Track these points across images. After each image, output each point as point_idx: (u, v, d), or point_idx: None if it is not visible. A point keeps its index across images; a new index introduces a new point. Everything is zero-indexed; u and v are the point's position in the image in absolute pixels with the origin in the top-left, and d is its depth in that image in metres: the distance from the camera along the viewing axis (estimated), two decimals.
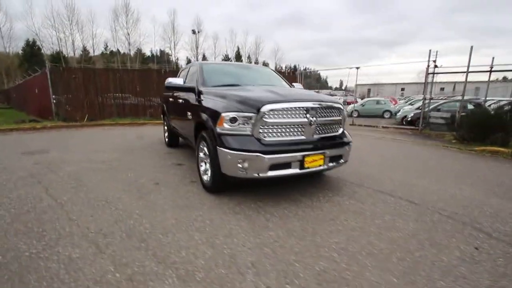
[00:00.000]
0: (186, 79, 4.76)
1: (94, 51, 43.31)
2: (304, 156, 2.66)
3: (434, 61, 9.55)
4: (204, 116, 2.99)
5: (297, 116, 2.69)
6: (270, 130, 2.62)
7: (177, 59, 50.71)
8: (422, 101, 10.06)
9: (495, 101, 11.73)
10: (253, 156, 2.49)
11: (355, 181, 3.59)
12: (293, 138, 2.71)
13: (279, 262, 1.84)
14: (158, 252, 1.95)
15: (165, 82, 3.77)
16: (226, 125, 2.62)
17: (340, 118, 3.07)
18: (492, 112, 6.30)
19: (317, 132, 2.85)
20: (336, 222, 2.42)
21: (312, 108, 2.76)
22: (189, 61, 56.12)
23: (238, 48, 58.38)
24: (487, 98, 9.51)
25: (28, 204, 2.79)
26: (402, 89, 46.92)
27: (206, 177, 3.10)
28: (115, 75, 12.12)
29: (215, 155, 2.78)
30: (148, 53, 53.21)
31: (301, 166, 2.68)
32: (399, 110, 14.35)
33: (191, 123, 3.57)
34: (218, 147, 2.69)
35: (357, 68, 13.50)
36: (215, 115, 2.74)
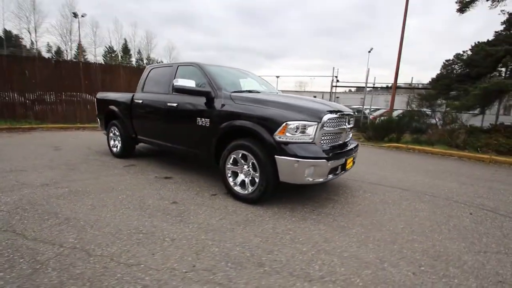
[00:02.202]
0: (145, 82, 4.21)
1: None
2: (346, 159, 3.02)
3: (336, 77, 12.12)
4: (248, 123, 2.82)
5: (341, 123, 3.03)
6: (325, 137, 2.83)
7: (31, 44, 39.41)
8: None
9: (372, 108, 15.82)
10: (320, 162, 2.64)
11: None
12: (336, 143, 3.03)
13: (389, 244, 2.12)
14: (307, 270, 1.83)
15: (174, 84, 3.22)
16: (288, 134, 2.63)
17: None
18: (391, 118, 8.69)
19: (347, 136, 3.28)
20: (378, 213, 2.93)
21: (348, 115, 3.17)
22: (59, 50, 45.01)
23: (126, 41, 51.79)
24: (365, 106, 12.93)
25: None
26: None
27: (247, 189, 2.94)
28: None
29: (268, 164, 2.73)
30: None
31: (343, 168, 3.04)
32: None
33: (206, 132, 3.24)
34: (277, 156, 2.65)
35: None
36: (272, 124, 2.67)
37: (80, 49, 36.75)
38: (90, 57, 45.49)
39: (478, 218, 2.88)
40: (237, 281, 1.71)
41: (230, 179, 3.10)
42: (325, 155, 2.68)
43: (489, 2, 8.54)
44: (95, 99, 5.48)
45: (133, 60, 51.73)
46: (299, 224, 2.54)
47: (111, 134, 5.08)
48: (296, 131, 2.63)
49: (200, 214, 2.69)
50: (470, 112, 7.93)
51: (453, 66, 9.78)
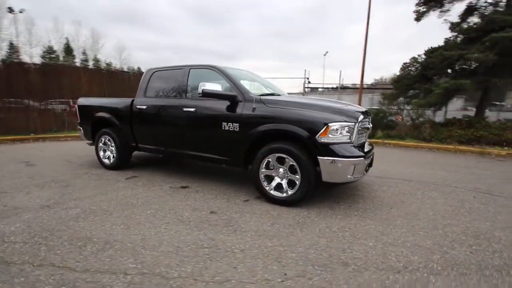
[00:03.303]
0: (147, 86, 3.97)
1: None
2: (372, 157, 3.22)
3: (308, 78, 12.75)
4: (290, 127, 2.82)
5: (367, 123, 3.22)
6: (357, 136, 2.97)
7: None
8: None
9: None
10: (360, 161, 2.77)
11: None
12: (362, 142, 3.20)
13: (434, 230, 2.33)
14: (367, 268, 1.89)
15: (203, 89, 3.04)
16: (330, 135, 2.70)
17: None
18: None
19: (367, 136, 3.50)
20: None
21: (369, 115, 3.38)
22: None
23: (68, 40, 46.63)
24: None
25: None
26: None
27: (285, 192, 2.93)
28: None
29: (310, 165, 2.78)
30: None
31: (370, 165, 3.23)
32: None
33: (235, 137, 3.15)
34: (321, 157, 2.71)
35: None
36: (314, 126, 2.71)
37: (16, 48, 31.96)
38: (26, 58, 39.86)
39: (482, 200, 3.32)
40: (337, 282, 1.72)
41: (265, 183, 3.06)
42: (362, 153, 2.82)
43: (437, 13, 9.88)
44: (77, 106, 4.88)
45: (77, 61, 46.74)
46: (348, 221, 2.64)
47: (100, 144, 4.58)
48: (337, 132, 2.72)
49: (248, 221, 2.61)
50: (431, 108, 9.03)
51: (410, 68, 11.00)
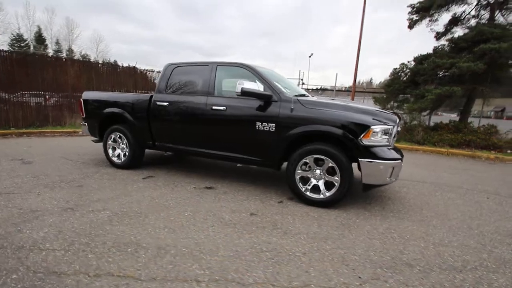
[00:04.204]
0: (167, 82, 3.81)
1: None
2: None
3: (302, 79, 12.89)
4: (333, 129, 2.82)
5: (398, 126, 3.30)
6: (393, 139, 3.04)
7: None
8: None
9: None
10: (398, 163, 2.84)
11: None
12: (394, 144, 3.29)
13: (470, 230, 2.45)
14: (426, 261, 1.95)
15: (240, 88, 2.94)
16: (372, 138, 2.74)
17: None
18: None
19: None
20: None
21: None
22: None
23: (40, 29, 43.44)
24: None
25: None
26: None
27: (322, 193, 2.94)
28: None
29: (350, 167, 2.81)
30: None
31: None
32: None
33: (271, 137, 3.09)
34: (362, 159, 2.75)
35: None
36: (357, 128, 2.74)
37: None
38: None
39: (495, 201, 3.55)
40: (412, 283, 1.74)
41: (300, 184, 3.05)
42: (400, 156, 2.90)
43: (426, 22, 10.42)
44: (81, 100, 4.54)
45: (50, 51, 43.64)
46: (389, 222, 2.70)
47: (109, 142, 4.31)
48: (378, 135, 2.77)
49: (292, 223, 2.58)
50: (422, 113, 9.51)
51: (399, 73, 11.51)
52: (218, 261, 1.91)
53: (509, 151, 6.83)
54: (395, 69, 11.53)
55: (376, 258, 2.04)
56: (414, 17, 9.78)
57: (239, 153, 3.39)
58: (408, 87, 10.25)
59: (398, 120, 3.01)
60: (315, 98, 3.31)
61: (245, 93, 2.98)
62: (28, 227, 2.31)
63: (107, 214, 2.60)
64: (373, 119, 2.79)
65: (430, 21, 10.29)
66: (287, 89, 3.99)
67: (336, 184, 2.89)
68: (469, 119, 9.40)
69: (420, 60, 10.04)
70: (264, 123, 3.12)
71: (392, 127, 2.84)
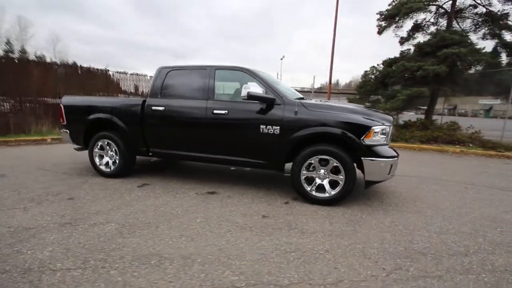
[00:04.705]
0: (162, 86, 3.73)
1: None
2: None
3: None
4: (336, 130, 2.94)
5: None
6: (389, 138, 3.25)
7: None
8: None
9: None
10: (396, 160, 3.05)
11: None
12: None
13: (461, 217, 2.73)
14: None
15: (246, 92, 2.94)
16: (373, 138, 2.92)
17: None
18: None
19: None
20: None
21: None
22: None
23: None
24: None
25: None
26: None
27: (328, 192, 3.05)
28: None
29: (353, 166, 2.97)
30: None
31: None
32: None
33: (275, 140, 3.14)
34: (365, 158, 2.91)
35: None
36: (360, 129, 2.89)
37: None
38: None
39: (473, 190, 3.93)
40: (430, 269, 1.90)
41: (305, 185, 3.14)
42: (396, 154, 3.12)
43: (392, 29, 11.24)
44: (62, 106, 4.20)
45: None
46: (391, 216, 2.88)
47: (96, 149, 4.05)
48: (378, 135, 2.95)
49: (306, 222, 2.65)
50: (393, 112, 10.22)
51: (370, 76, 12.26)
52: (248, 265, 1.91)
53: (470, 145, 7.62)
54: (366, 71, 12.26)
55: (391, 249, 2.18)
56: (383, 23, 10.50)
57: (242, 156, 3.39)
58: (378, 88, 10.97)
59: (392, 121, 3.24)
60: (318, 102, 3.43)
61: (251, 97, 3.00)
62: (27, 246, 2.11)
63: (113, 227, 2.46)
64: (373, 120, 2.98)
65: (395, 27, 11.12)
66: (292, 92, 4.10)
67: (340, 182, 3.02)
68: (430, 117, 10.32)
69: (389, 63, 10.79)
70: (268, 126, 3.17)
71: (388, 127, 3.05)
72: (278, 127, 3.14)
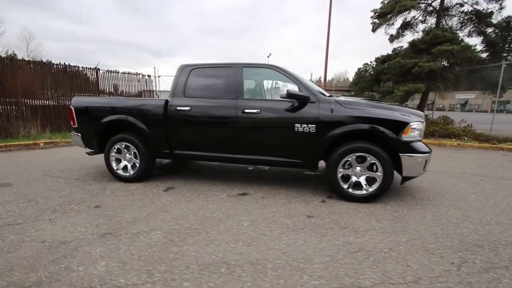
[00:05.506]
0: (185, 85, 3.60)
1: None
2: None
3: None
4: (377, 127, 2.95)
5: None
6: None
7: None
8: None
9: None
10: (430, 156, 3.10)
11: None
12: None
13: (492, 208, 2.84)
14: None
15: (286, 91, 2.87)
16: (411, 134, 2.95)
17: None
18: None
19: None
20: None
21: None
22: None
23: None
24: None
25: None
26: None
27: (365, 189, 3.07)
28: None
29: (390, 162, 2.99)
30: None
31: None
32: None
33: (311, 138, 3.11)
34: (403, 154, 2.94)
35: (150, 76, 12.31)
36: (399, 125, 2.91)
37: None
38: None
39: (489, 182, 4.11)
40: (493, 260, 1.95)
41: (342, 183, 3.14)
42: (429, 149, 3.18)
43: (384, 28, 11.52)
44: (72, 108, 3.94)
45: None
46: (430, 209, 2.93)
47: (113, 153, 3.84)
48: (414, 131, 3.00)
49: (354, 221, 2.64)
50: None
51: (363, 73, 12.53)
52: (321, 268, 1.87)
53: (465, 138, 8.00)
54: (359, 68, 12.52)
55: (448, 243, 2.22)
56: (377, 21, 10.73)
57: (275, 156, 3.33)
58: (373, 85, 11.24)
59: (424, 116, 3.30)
60: (352, 99, 3.42)
61: (290, 96, 2.94)
62: (75, 262, 1.95)
63: (160, 235, 2.33)
64: (409, 115, 3.02)
65: (387, 25, 11.42)
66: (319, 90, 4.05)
67: (378, 179, 3.04)
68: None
69: (382, 60, 11.09)
70: (303, 125, 3.12)
71: (422, 122, 3.10)
72: (314, 125, 3.10)
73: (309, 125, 3.11)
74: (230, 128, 3.38)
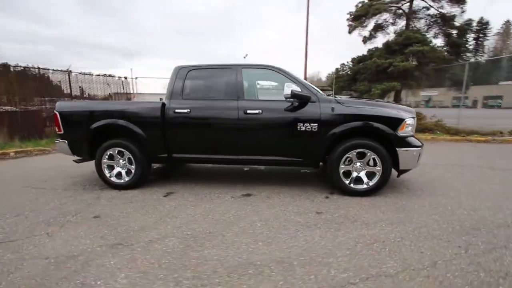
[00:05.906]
0: (183, 87, 3.55)
1: None
2: None
3: None
4: (376, 124, 3.08)
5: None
6: None
7: None
8: None
9: None
10: (422, 149, 3.31)
11: None
12: None
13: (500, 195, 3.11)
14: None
15: (290, 91, 2.90)
16: (406, 129, 3.14)
17: None
18: None
19: None
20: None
21: None
22: None
23: None
24: None
25: None
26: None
27: (366, 183, 3.21)
28: None
29: (388, 157, 3.15)
30: None
31: None
32: None
33: (313, 137, 3.19)
34: (400, 149, 3.12)
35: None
36: (396, 122, 3.08)
37: None
38: None
39: (473, 171, 4.46)
40: (499, 241, 2.14)
41: (343, 178, 3.25)
42: (421, 143, 3.40)
43: (358, 30, 12.09)
44: (56, 113, 3.67)
45: None
46: (425, 199, 3.14)
47: (105, 160, 3.64)
48: (409, 126, 3.19)
49: (361, 214, 2.74)
50: None
51: (341, 72, 13.03)
52: (345, 261, 1.93)
53: (438, 132, 8.63)
54: (337, 68, 13.00)
55: (450, 229, 2.40)
56: (353, 23, 11.22)
57: (276, 155, 3.37)
58: (351, 84, 11.73)
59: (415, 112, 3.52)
60: (350, 98, 3.56)
61: (294, 96, 2.99)
62: (90, 277, 1.83)
63: (176, 241, 2.27)
64: (405, 113, 3.21)
65: (361, 27, 11.99)
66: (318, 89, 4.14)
67: (377, 173, 3.19)
68: None
69: (358, 60, 11.61)
70: (306, 124, 3.19)
71: (414, 118, 3.32)
72: (316, 124, 3.19)
73: (311, 124, 3.19)
74: (232, 129, 3.36)
